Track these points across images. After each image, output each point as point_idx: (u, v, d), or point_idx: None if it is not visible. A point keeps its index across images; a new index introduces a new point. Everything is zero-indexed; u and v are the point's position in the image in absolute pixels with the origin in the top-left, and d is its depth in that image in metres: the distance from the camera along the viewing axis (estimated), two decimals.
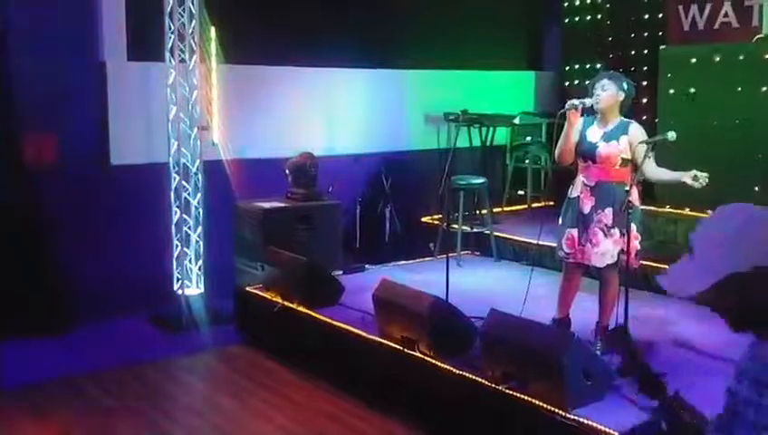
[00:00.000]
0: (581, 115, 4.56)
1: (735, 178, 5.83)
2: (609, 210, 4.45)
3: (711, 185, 5.85)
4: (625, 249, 4.36)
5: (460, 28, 8.29)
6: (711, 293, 2.28)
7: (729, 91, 5.86)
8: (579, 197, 4.59)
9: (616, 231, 4.45)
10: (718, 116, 5.91)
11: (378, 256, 7.22)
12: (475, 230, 7.33)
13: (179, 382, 5.37)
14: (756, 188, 5.75)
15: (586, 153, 4.54)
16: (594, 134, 4.54)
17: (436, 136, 8.10)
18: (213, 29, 6.40)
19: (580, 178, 4.62)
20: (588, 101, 4.52)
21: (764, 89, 5.67)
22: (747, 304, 2.27)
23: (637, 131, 4.50)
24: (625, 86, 4.54)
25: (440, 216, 7.32)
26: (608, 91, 4.50)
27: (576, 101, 4.49)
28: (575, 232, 4.58)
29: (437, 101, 8.14)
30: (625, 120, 4.56)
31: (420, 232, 7.76)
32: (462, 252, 7.14)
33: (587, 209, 4.54)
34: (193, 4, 6.20)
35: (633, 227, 4.46)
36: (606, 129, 4.53)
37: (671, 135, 4.50)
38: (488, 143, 7.99)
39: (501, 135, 8.44)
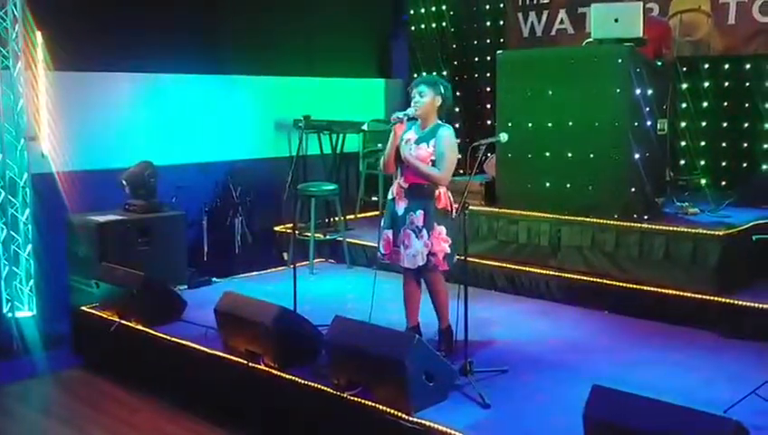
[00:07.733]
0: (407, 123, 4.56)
1: (569, 177, 6.06)
2: (420, 212, 4.47)
3: (548, 185, 6.14)
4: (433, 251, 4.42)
5: (311, 36, 8.23)
6: None
7: (562, 93, 6.06)
8: (394, 198, 4.62)
9: (425, 233, 4.46)
10: (552, 118, 6.10)
11: (228, 268, 6.98)
12: (328, 237, 7.27)
13: (9, 413, 4.97)
14: (590, 188, 5.97)
15: (400, 156, 4.56)
16: (409, 138, 4.57)
17: (287, 143, 7.97)
18: (39, 34, 6.03)
19: (397, 180, 4.64)
20: (410, 111, 4.54)
21: (594, 91, 5.89)
22: None
23: (444, 135, 4.49)
24: (442, 90, 4.56)
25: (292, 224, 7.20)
26: (425, 98, 4.52)
27: (400, 114, 4.51)
28: (390, 234, 4.62)
29: (288, 108, 8.01)
30: (439, 123, 4.57)
31: (273, 242, 7.61)
32: (316, 260, 7.05)
33: (401, 211, 4.56)
34: (16, 7, 5.86)
35: (442, 229, 4.48)
36: (421, 133, 4.56)
37: (503, 137, 4.62)
38: (339, 150, 7.94)
39: (353, 142, 8.43)
